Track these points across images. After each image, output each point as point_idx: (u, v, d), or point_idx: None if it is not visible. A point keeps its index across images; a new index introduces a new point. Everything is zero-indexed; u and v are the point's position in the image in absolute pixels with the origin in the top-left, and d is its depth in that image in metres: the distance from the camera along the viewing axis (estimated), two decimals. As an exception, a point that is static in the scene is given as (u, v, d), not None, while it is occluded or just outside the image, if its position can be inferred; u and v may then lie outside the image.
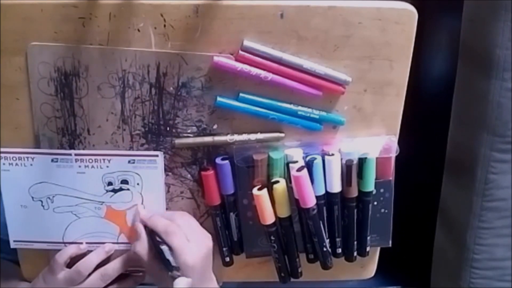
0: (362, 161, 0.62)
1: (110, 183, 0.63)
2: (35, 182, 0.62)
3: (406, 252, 0.90)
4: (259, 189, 0.61)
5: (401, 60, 0.60)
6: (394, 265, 0.84)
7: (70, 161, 0.61)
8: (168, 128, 0.61)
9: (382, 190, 0.65)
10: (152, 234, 0.59)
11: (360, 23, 0.58)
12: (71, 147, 0.61)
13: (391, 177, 0.65)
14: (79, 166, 0.62)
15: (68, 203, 0.63)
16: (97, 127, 0.61)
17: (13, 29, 0.56)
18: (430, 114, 0.92)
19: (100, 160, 0.61)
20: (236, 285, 0.77)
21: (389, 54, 0.60)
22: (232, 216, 0.65)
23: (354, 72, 0.60)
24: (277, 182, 0.61)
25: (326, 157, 0.61)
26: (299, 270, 0.67)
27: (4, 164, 0.61)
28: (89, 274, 0.62)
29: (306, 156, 0.62)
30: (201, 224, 0.64)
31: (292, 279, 0.68)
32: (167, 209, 0.64)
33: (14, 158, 0.61)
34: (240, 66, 0.57)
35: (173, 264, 0.55)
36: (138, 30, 0.57)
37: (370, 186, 0.63)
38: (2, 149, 0.61)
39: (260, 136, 0.61)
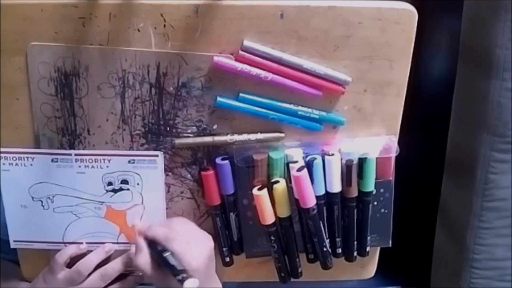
0: (362, 161, 0.62)
1: (110, 183, 0.63)
2: (35, 182, 0.62)
3: (406, 252, 0.90)
4: (259, 189, 0.61)
5: (401, 60, 0.60)
6: (394, 265, 0.84)
7: (70, 161, 0.61)
8: (168, 128, 0.61)
9: (382, 190, 0.65)
10: (153, 244, 0.59)
11: (360, 23, 0.58)
12: (71, 147, 0.61)
13: (391, 177, 0.65)
14: (79, 166, 0.62)
15: (68, 203, 0.63)
16: (97, 127, 0.61)
17: (13, 29, 0.56)
18: (430, 114, 0.92)
19: (100, 160, 0.61)
20: (236, 285, 0.77)
21: (389, 54, 0.60)
22: (232, 216, 0.65)
23: (354, 72, 0.60)
24: (277, 182, 0.61)
25: (326, 157, 0.61)
26: (299, 270, 0.67)
27: (4, 164, 0.61)
28: (89, 274, 0.62)
29: (306, 156, 0.62)
30: (201, 224, 0.64)
31: (292, 279, 0.68)
32: (167, 209, 0.64)
33: (14, 158, 0.61)
34: (240, 66, 0.57)
35: (179, 268, 0.55)
36: (138, 30, 0.57)
37: (370, 186, 0.63)
38: (2, 149, 0.61)
39: (260, 136, 0.61)
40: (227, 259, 0.67)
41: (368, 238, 0.66)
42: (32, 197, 0.63)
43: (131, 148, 0.62)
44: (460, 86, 0.83)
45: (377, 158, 0.62)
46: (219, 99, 0.59)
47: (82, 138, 0.61)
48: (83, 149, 0.61)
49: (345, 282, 0.72)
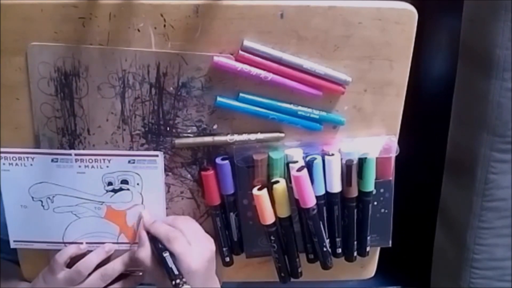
0: (362, 161, 0.62)
1: (110, 183, 0.63)
2: (35, 182, 0.62)
3: (406, 252, 0.90)
4: (259, 189, 0.61)
5: (401, 60, 0.60)
6: (394, 265, 0.84)
7: (70, 161, 0.61)
8: (168, 128, 0.61)
9: (382, 190, 0.65)
10: (154, 240, 0.59)
11: (360, 23, 0.58)
12: (71, 147, 0.61)
13: (391, 177, 0.65)
14: (79, 166, 0.62)
15: (68, 203, 0.63)
16: (97, 127, 0.61)
17: (13, 29, 0.56)
18: (430, 114, 0.92)
19: (100, 160, 0.61)
20: (236, 285, 0.77)
21: (389, 54, 0.60)
22: (232, 216, 0.65)
23: (354, 72, 0.60)
24: (277, 182, 0.61)
25: (326, 157, 0.61)
26: (299, 270, 0.67)
27: (4, 164, 0.61)
28: (89, 274, 0.62)
29: (306, 156, 0.62)
30: (201, 224, 0.64)
31: (292, 279, 0.68)
32: (167, 209, 0.64)
33: (14, 158, 0.61)
34: (240, 66, 0.57)
35: (176, 272, 0.55)
36: (138, 30, 0.57)
37: (370, 186, 0.63)
38: (2, 149, 0.61)
39: (260, 136, 0.61)
40: (227, 259, 0.67)
41: (368, 238, 0.66)
42: (32, 197, 0.63)
43: (131, 148, 0.62)
44: (460, 86, 0.83)
45: (377, 158, 0.62)
46: (219, 99, 0.59)
47: (82, 138, 0.61)
48: (83, 149, 0.61)
49: (345, 282, 0.72)
